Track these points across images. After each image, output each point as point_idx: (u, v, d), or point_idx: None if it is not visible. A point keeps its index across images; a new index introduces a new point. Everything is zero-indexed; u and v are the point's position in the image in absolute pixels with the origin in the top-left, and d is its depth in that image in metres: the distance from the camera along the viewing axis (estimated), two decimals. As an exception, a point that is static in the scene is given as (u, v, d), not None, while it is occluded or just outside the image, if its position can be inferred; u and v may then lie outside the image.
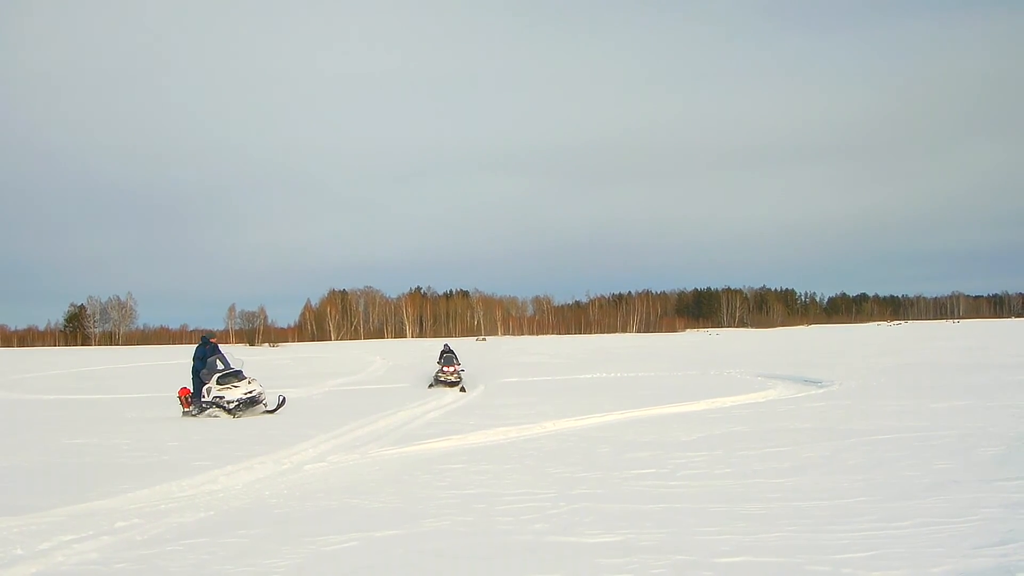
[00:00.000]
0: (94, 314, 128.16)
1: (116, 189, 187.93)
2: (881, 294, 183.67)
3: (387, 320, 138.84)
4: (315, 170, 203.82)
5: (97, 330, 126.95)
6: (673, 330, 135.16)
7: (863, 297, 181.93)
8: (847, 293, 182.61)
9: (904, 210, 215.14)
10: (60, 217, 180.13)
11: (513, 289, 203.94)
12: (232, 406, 14.66)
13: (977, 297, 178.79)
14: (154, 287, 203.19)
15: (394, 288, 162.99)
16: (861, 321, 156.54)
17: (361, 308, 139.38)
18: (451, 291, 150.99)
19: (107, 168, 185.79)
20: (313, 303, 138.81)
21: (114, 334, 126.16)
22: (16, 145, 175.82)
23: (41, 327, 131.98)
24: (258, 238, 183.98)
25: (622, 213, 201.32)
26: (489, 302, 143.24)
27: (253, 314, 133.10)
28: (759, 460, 8.52)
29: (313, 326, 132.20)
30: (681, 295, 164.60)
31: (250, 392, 14.88)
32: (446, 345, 23.49)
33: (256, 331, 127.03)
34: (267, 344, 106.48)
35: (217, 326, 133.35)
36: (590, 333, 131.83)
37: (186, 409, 15.30)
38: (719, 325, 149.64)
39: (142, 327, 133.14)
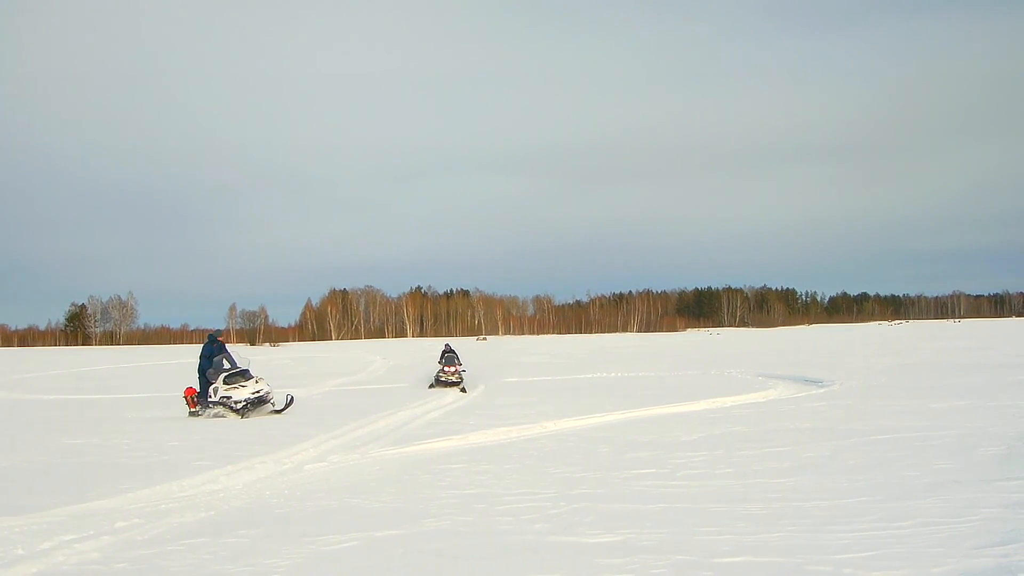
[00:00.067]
0: (95, 314, 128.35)
1: (116, 189, 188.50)
2: (882, 293, 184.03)
3: (388, 320, 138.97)
4: (315, 170, 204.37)
5: (98, 330, 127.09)
6: (674, 330, 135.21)
7: (864, 297, 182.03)
8: (848, 293, 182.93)
9: (905, 209, 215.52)
10: (60, 217, 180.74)
11: (513, 289, 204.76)
12: (239, 406, 14.36)
13: (978, 296, 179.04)
14: (155, 287, 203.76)
15: (395, 288, 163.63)
16: (862, 321, 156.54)
17: (362, 308, 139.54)
18: (452, 291, 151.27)
19: (107, 168, 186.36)
20: (314, 303, 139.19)
21: (115, 334, 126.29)
22: (16, 145, 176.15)
23: (42, 327, 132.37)
24: (259, 238, 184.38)
25: (622, 213, 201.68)
26: (490, 302, 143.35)
27: (254, 314, 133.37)
28: (759, 460, 8.52)
29: (314, 326, 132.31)
30: (682, 295, 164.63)
31: (258, 392, 14.60)
32: (447, 345, 23.47)
33: (257, 331, 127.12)
34: (268, 344, 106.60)
35: (218, 326, 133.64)
36: (591, 333, 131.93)
37: (192, 409, 14.97)
38: (720, 325, 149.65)
39: (143, 327, 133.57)
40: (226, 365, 15.10)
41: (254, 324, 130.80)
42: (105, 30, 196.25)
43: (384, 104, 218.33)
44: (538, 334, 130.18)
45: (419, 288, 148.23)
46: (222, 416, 14.49)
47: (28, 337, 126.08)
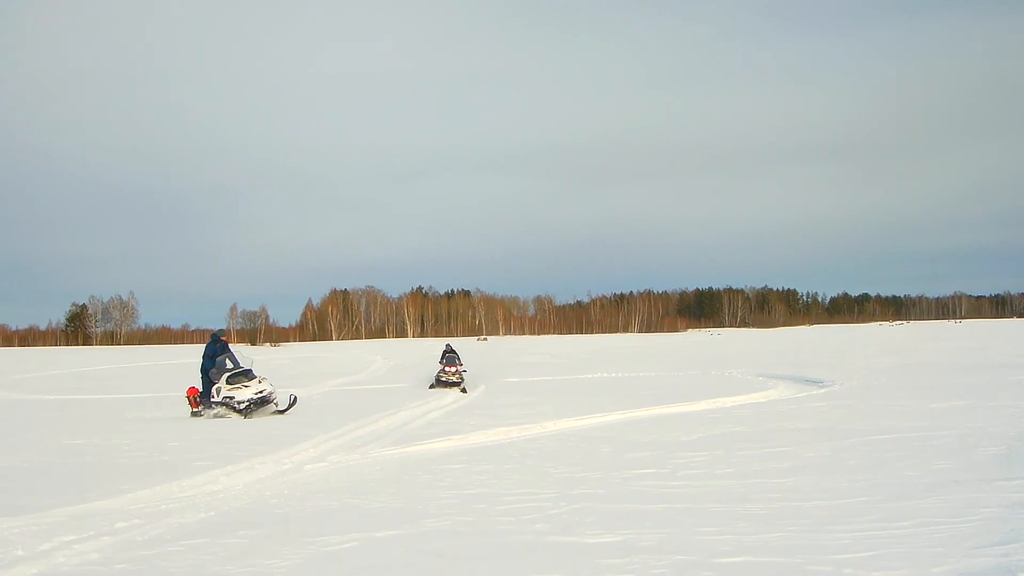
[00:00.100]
0: (96, 314, 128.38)
1: (116, 189, 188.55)
2: (883, 294, 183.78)
3: (388, 320, 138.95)
4: (315, 170, 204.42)
5: (99, 330, 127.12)
6: (675, 330, 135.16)
7: (865, 297, 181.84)
8: (849, 293, 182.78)
9: (906, 210, 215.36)
10: (60, 217, 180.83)
11: (514, 289, 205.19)
12: (243, 406, 14.29)
13: (979, 297, 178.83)
14: (156, 287, 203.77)
15: (395, 288, 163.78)
16: (863, 321, 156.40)
17: (362, 308, 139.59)
18: (452, 291, 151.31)
19: (107, 168, 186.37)
20: (314, 303, 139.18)
21: (115, 334, 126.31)
22: (16, 145, 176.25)
23: (42, 327, 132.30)
24: (259, 238, 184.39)
25: (622, 213, 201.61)
26: (490, 302, 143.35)
27: (255, 314, 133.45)
28: (759, 460, 8.52)
29: (314, 326, 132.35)
30: (683, 295, 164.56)
31: (261, 392, 14.52)
32: (448, 345, 23.47)
33: (258, 331, 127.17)
34: (268, 344, 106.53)
35: (219, 325, 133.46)
36: (591, 333, 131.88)
37: (195, 409, 14.86)
38: (721, 325, 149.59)
39: (144, 327, 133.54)
40: (229, 365, 15.01)
41: (255, 324, 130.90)
42: (105, 30, 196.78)
43: (384, 104, 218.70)
44: (539, 334, 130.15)
45: (420, 288, 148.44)
46: (224, 416, 14.42)
47: (29, 337, 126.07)
